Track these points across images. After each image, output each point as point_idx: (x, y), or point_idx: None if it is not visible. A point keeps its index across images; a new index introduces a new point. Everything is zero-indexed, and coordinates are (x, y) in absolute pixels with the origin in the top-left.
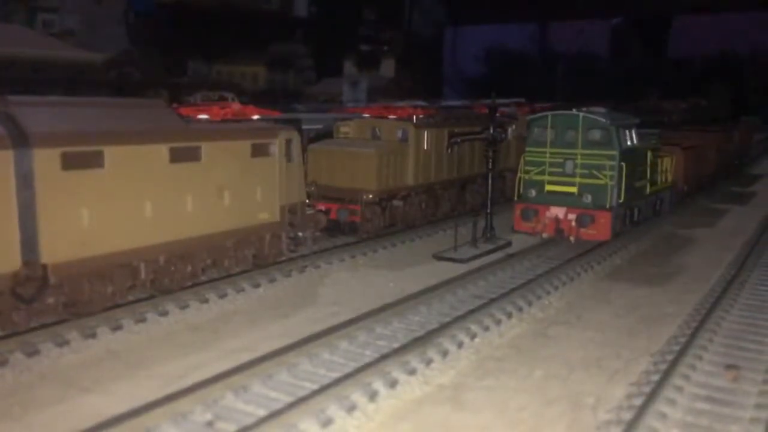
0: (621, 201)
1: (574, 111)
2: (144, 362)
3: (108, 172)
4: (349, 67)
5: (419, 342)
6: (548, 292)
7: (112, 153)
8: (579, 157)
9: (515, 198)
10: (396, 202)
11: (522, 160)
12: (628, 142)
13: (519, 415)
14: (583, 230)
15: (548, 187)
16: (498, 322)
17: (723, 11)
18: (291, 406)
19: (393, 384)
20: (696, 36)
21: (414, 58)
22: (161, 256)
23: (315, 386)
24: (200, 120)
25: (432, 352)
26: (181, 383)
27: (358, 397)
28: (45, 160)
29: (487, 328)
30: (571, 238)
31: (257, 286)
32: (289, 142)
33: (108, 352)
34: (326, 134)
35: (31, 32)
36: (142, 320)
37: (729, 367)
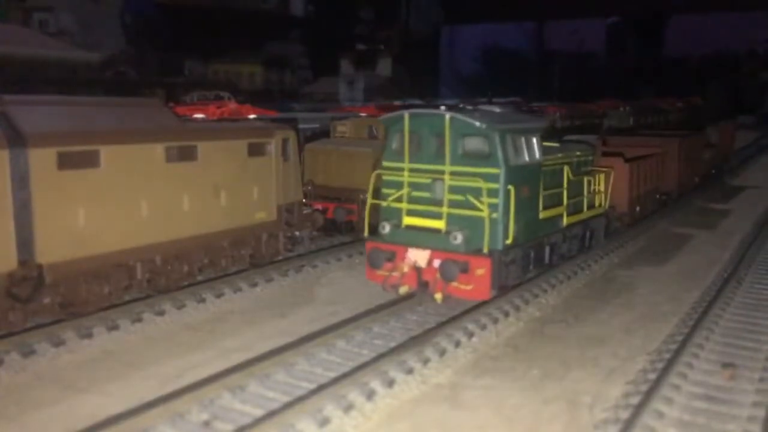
0: (509, 242)
1: (442, 110)
2: (140, 362)
3: (104, 171)
4: (345, 66)
5: (416, 341)
6: (545, 291)
7: (108, 152)
8: (448, 176)
9: (365, 234)
10: None
11: (373, 179)
12: (525, 156)
13: (516, 414)
14: (452, 284)
15: (407, 220)
16: (495, 321)
17: (720, 11)
18: (288, 405)
19: (390, 383)
20: (694, 35)
21: (410, 57)
22: (158, 255)
23: (312, 386)
24: (197, 119)
25: (429, 351)
26: (177, 383)
27: (355, 396)
28: (41, 159)
29: (484, 327)
30: (437, 296)
31: (254, 285)
32: (285, 141)
33: (104, 352)
34: (323, 133)
35: (27, 32)
36: (139, 320)
37: (726, 365)
